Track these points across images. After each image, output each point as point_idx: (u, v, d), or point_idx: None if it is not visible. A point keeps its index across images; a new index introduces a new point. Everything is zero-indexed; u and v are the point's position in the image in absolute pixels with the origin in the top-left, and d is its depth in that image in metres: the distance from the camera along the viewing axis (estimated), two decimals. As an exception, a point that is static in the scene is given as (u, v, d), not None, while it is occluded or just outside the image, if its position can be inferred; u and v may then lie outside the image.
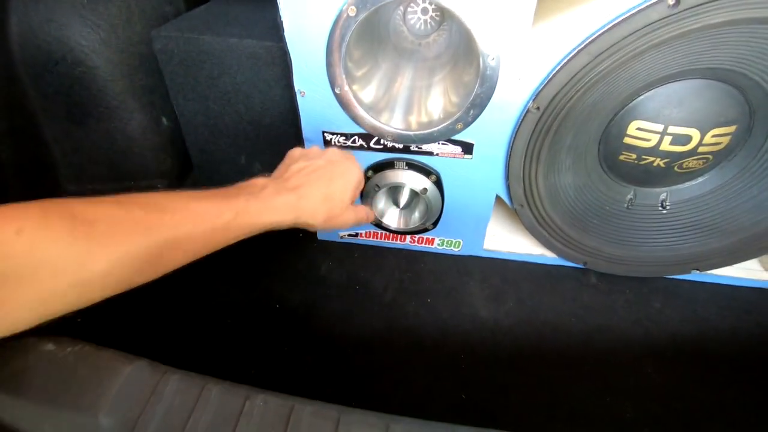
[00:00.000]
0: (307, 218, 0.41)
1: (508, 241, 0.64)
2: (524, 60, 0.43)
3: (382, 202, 0.60)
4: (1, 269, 0.25)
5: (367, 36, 0.49)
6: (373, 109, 0.49)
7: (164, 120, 0.68)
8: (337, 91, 0.48)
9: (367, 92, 0.50)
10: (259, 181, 0.41)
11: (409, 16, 0.55)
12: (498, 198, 0.56)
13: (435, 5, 0.51)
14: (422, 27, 0.54)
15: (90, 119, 0.63)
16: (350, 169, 0.44)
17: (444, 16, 0.53)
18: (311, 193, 0.41)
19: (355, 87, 0.48)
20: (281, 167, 0.44)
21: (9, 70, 0.57)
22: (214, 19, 0.60)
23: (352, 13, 0.42)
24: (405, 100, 0.51)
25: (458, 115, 0.48)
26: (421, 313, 0.56)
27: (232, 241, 0.36)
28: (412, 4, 0.53)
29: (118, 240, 0.29)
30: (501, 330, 0.54)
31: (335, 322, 0.55)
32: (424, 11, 0.54)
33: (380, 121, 0.50)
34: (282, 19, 0.44)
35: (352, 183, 0.44)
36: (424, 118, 0.49)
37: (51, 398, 0.26)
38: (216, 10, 0.64)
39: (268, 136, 0.63)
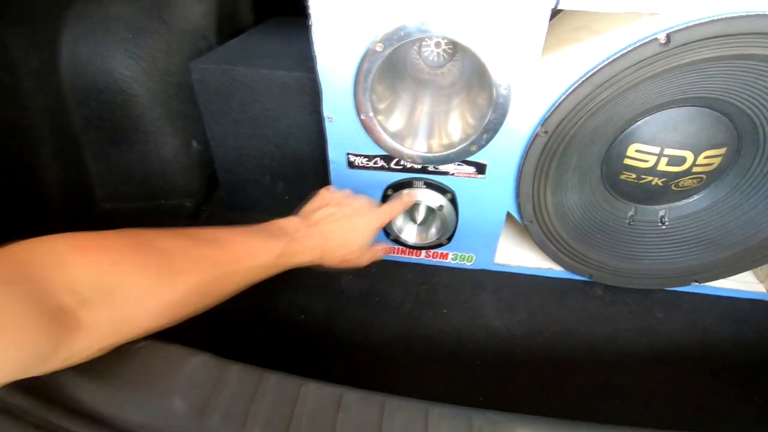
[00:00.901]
0: (326, 260, 0.47)
1: (517, 255, 0.68)
2: (533, 89, 0.48)
3: (400, 219, 0.64)
4: (96, 296, 0.27)
5: (388, 71, 0.54)
6: (396, 135, 0.54)
7: (194, 143, 0.73)
8: (363, 118, 0.53)
9: (390, 120, 0.55)
10: (292, 222, 0.46)
11: (424, 50, 0.60)
12: (508, 215, 0.60)
13: (447, 40, 0.56)
14: (436, 59, 0.60)
15: (127, 143, 0.68)
16: (370, 221, 0.50)
17: (456, 48, 0.58)
18: (335, 238, 0.47)
19: (379, 117, 0.53)
20: (311, 206, 0.50)
21: (58, 98, 0.62)
22: (246, 52, 0.66)
23: (379, 49, 0.47)
24: (426, 125, 0.56)
25: (473, 138, 0.52)
26: (438, 323, 0.59)
27: (269, 276, 0.42)
28: (426, 40, 0.59)
29: (190, 272, 0.33)
30: (514, 339, 0.57)
31: (356, 331, 0.59)
32: (437, 45, 0.60)
33: (401, 145, 0.55)
34: (315, 53, 0.49)
35: (369, 233, 0.50)
36: (445, 141, 0.54)
37: (130, 385, 0.29)
38: (247, 44, 0.70)
39: (292, 157, 0.68)
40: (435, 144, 0.54)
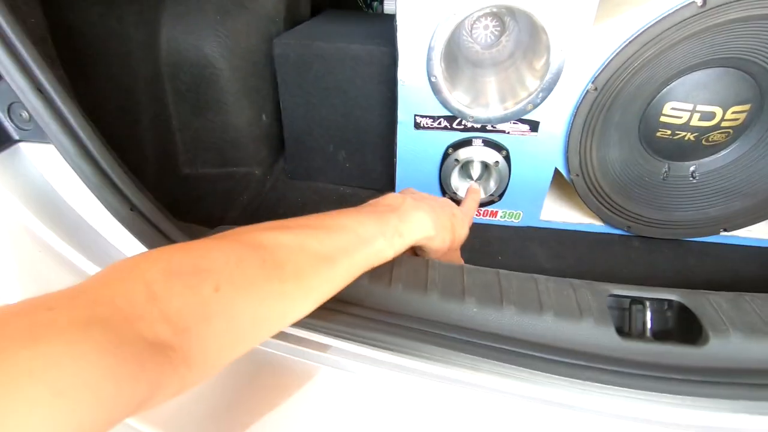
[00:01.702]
0: (438, 241, 0.41)
1: (560, 212, 0.75)
2: (586, 50, 0.56)
3: (455, 177, 0.72)
4: (198, 325, 0.24)
5: (449, 58, 0.62)
6: (460, 97, 0.62)
7: (264, 117, 0.81)
8: (433, 80, 0.61)
9: (454, 84, 0.63)
10: (394, 197, 0.41)
11: (475, 32, 0.68)
12: (554, 173, 0.67)
13: (501, 8, 0.64)
14: (486, 40, 0.68)
15: (209, 113, 0.76)
16: (462, 215, 0.48)
17: (504, 26, 0.66)
18: (443, 217, 0.42)
19: (445, 81, 0.61)
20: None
21: (156, 70, 0.70)
22: (319, 32, 0.74)
23: (453, 16, 0.56)
24: (486, 89, 0.64)
25: (530, 98, 0.60)
26: (495, 267, 0.66)
27: (384, 261, 0.36)
28: (476, 22, 0.67)
29: (309, 283, 0.29)
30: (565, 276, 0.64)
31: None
32: (485, 27, 0.68)
33: (464, 105, 0.63)
34: (397, 21, 0.58)
35: (466, 223, 0.48)
36: (504, 101, 0.62)
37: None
38: (316, 27, 0.79)
39: (356, 126, 0.76)
40: (496, 105, 0.62)
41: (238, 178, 0.80)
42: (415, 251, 0.46)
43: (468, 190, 0.61)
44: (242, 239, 0.29)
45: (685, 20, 0.51)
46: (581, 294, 0.34)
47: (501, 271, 0.36)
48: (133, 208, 0.40)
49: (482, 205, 0.74)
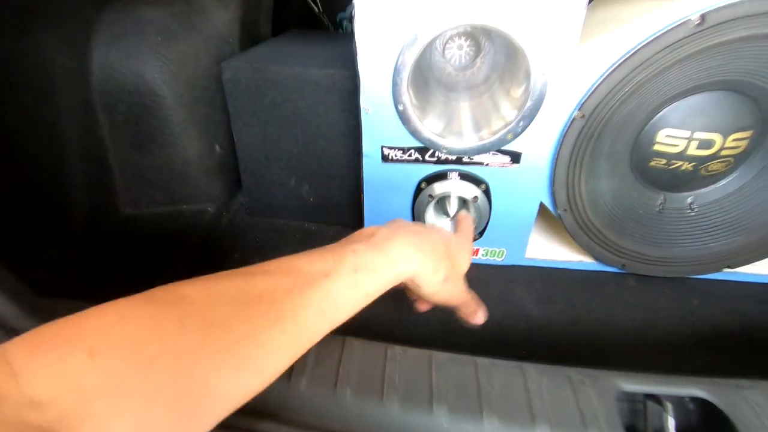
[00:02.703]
0: (428, 273, 0.33)
1: (547, 249, 0.68)
2: (571, 74, 0.49)
3: (431, 213, 0.64)
4: (81, 406, 0.19)
5: (419, 78, 0.55)
6: (432, 127, 0.55)
7: (217, 148, 0.73)
8: (400, 108, 0.54)
9: (425, 113, 0.56)
10: (367, 229, 0.35)
11: (448, 53, 0.62)
12: (539, 207, 0.60)
13: (473, 28, 0.58)
14: (460, 61, 0.61)
15: (153, 146, 0.67)
16: (463, 241, 0.41)
17: (479, 47, 0.60)
18: (431, 243, 0.34)
19: (415, 109, 0.54)
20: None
21: (86, 100, 0.61)
22: (274, 54, 0.67)
23: (419, 38, 0.49)
24: (460, 117, 0.57)
25: (509, 126, 0.53)
26: (477, 316, 0.58)
27: (350, 309, 0.29)
28: (449, 42, 0.60)
29: (225, 339, 0.23)
30: (556, 328, 0.56)
31: (394, 327, 0.57)
32: (459, 47, 0.62)
33: (437, 135, 0.55)
34: (356, 43, 0.50)
35: (467, 250, 0.39)
36: (480, 131, 0.55)
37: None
38: (273, 49, 0.71)
39: (320, 157, 0.68)
40: (470, 134, 0.55)
41: (188, 217, 0.71)
42: (407, 291, 0.37)
43: (458, 219, 0.51)
44: (135, 297, 0.23)
45: (679, 41, 0.45)
46: (583, 395, 0.26)
47: (479, 360, 0.28)
48: None
49: (461, 243, 0.66)
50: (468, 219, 0.51)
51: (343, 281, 0.28)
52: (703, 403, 0.28)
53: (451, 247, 0.37)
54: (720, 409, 0.26)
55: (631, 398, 0.29)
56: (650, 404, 0.28)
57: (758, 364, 0.52)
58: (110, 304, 0.22)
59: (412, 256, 0.32)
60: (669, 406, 0.26)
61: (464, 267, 0.39)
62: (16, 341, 0.21)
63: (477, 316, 0.40)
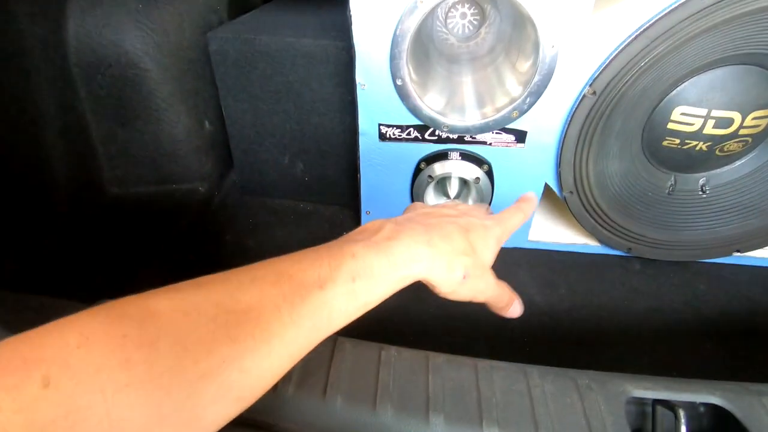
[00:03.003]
0: (441, 272, 0.29)
1: (551, 231, 0.65)
2: (582, 46, 0.45)
3: (431, 194, 0.61)
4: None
5: (419, 51, 0.51)
6: (432, 103, 0.51)
7: (207, 124, 0.70)
8: (399, 83, 0.50)
9: (425, 88, 0.52)
10: (372, 223, 0.31)
11: (450, 22, 0.57)
12: (544, 188, 0.57)
13: (477, 1, 0.54)
14: (463, 31, 0.57)
15: (138, 121, 0.63)
16: (488, 225, 0.34)
17: (484, 15, 0.56)
18: (445, 236, 0.30)
19: (414, 84, 0.50)
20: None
21: (64, 72, 0.58)
22: (264, 24, 0.62)
23: (419, 5, 0.45)
24: (463, 93, 0.53)
25: (515, 103, 0.50)
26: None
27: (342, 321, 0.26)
28: (451, 10, 0.56)
29: (203, 365, 0.20)
30: (558, 314, 0.55)
31: (393, 314, 0.56)
32: (462, 15, 0.57)
33: (437, 112, 0.52)
34: (351, 13, 0.46)
35: (494, 237, 0.33)
36: (484, 108, 0.52)
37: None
38: (263, 17, 0.67)
39: (314, 134, 0.65)
40: (473, 111, 0.52)
41: (178, 197, 0.69)
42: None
43: (520, 198, 0.40)
44: (101, 311, 0.20)
45: (705, 8, 0.41)
46: (590, 401, 0.24)
47: (480, 362, 0.26)
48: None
49: (462, 225, 0.64)
50: (528, 203, 0.39)
51: (339, 291, 0.25)
52: (715, 409, 0.26)
53: (472, 235, 0.32)
54: (735, 416, 0.25)
55: (639, 401, 0.27)
56: (659, 408, 0.26)
57: (766, 350, 0.51)
58: (72, 319, 0.19)
59: (420, 256, 0.28)
60: (681, 412, 0.24)
61: (489, 258, 0.33)
62: None
63: (511, 310, 0.37)
